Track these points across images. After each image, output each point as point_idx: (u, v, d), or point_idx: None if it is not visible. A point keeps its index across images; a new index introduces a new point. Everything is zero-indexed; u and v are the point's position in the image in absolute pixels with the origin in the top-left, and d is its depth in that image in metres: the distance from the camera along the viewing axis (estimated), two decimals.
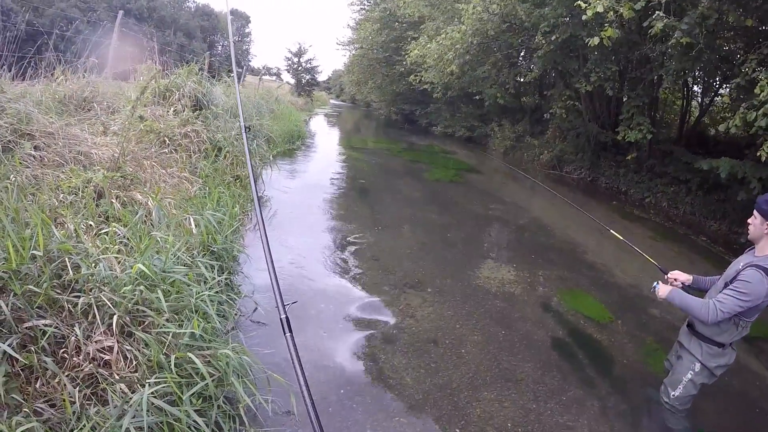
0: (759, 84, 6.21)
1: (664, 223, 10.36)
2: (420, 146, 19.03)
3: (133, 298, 2.82)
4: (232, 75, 19.50)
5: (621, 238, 4.62)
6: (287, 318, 2.39)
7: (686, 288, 3.55)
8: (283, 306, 2.48)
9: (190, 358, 2.66)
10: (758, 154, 6.25)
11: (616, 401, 3.89)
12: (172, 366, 2.57)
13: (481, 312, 5.06)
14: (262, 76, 23.53)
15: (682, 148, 11.59)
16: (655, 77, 11.27)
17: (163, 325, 2.81)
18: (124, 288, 2.83)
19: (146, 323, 2.84)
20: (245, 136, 4.30)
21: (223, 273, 4.39)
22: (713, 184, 10.16)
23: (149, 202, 4.44)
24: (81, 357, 2.48)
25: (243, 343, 3.44)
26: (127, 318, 2.76)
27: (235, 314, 4.08)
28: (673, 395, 3.45)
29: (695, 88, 13.55)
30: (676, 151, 11.46)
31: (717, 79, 11.99)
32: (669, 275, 3.60)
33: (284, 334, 2.31)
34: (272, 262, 2.76)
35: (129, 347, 2.64)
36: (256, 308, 4.31)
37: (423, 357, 4.11)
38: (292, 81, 39.17)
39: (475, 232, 8.07)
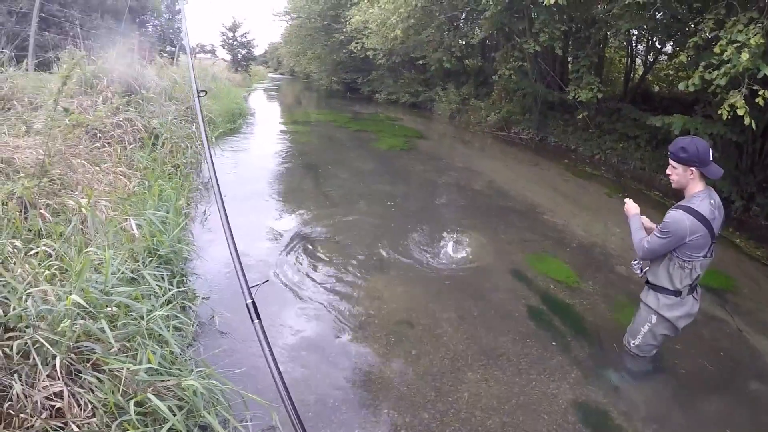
0: (719, 44, 6.22)
1: (616, 178, 10.40)
2: (364, 115, 18.55)
3: (73, 334, 2.42)
4: (165, 55, 18.54)
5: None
6: (254, 303, 2.18)
7: None
8: (248, 289, 2.24)
9: (148, 397, 2.33)
10: (719, 112, 6.29)
11: (593, 363, 3.81)
12: (132, 411, 2.24)
13: (451, 287, 4.81)
14: (196, 54, 22.41)
15: (629, 105, 11.73)
16: (601, 36, 11.24)
17: (113, 361, 2.42)
18: (62, 324, 2.38)
19: (95, 359, 2.46)
20: (198, 102, 3.64)
21: (174, 279, 3.91)
22: (662, 139, 10.29)
23: (83, 208, 3.91)
24: (29, 409, 2.11)
25: (207, 362, 3.06)
26: (73, 356, 2.39)
27: (194, 325, 3.62)
28: (634, 343, 3.66)
29: (639, 46, 13.73)
30: (624, 108, 11.60)
31: (661, 37, 12.10)
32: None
33: (252, 321, 2.12)
34: (234, 241, 2.51)
35: (81, 389, 2.30)
36: (213, 315, 3.87)
37: (401, 342, 3.87)
38: (228, 57, 37.88)
39: (431, 201, 7.78)
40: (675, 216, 3.01)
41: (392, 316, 4.21)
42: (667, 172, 3.16)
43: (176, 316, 3.33)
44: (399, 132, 14.40)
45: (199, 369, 2.81)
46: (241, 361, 3.30)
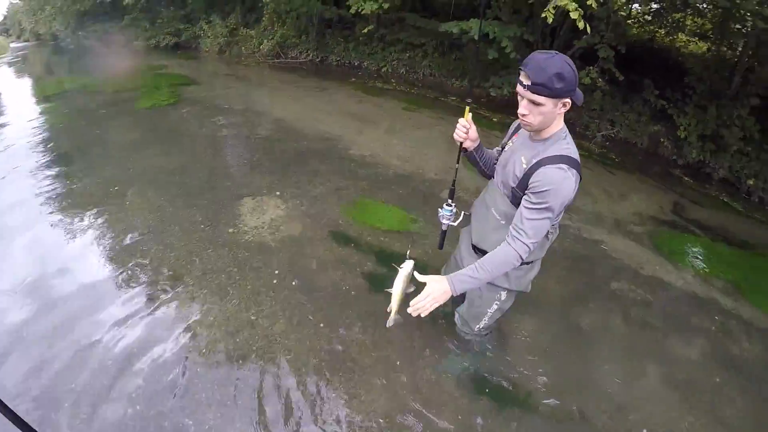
0: None
1: (410, 90, 9.97)
2: (123, 69, 15.74)
3: None
4: None
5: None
6: None
7: (466, 153, 2.43)
8: None
9: None
10: (543, 15, 5.98)
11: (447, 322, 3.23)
12: None
13: (270, 283, 3.66)
14: None
15: (413, 14, 11.40)
16: None
17: None
18: None
19: None
20: None
21: None
22: (449, 45, 10.24)
23: None
24: None
25: None
26: None
27: None
28: (478, 327, 2.82)
29: None
30: (408, 17, 11.30)
31: None
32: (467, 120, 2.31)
33: None
34: None
35: None
36: None
37: (222, 385, 2.77)
38: None
39: (216, 165, 6.08)
40: (556, 177, 1.93)
41: (202, 350, 3.03)
42: (523, 111, 1.93)
43: None
44: (164, 82, 12.12)
45: None
46: None
